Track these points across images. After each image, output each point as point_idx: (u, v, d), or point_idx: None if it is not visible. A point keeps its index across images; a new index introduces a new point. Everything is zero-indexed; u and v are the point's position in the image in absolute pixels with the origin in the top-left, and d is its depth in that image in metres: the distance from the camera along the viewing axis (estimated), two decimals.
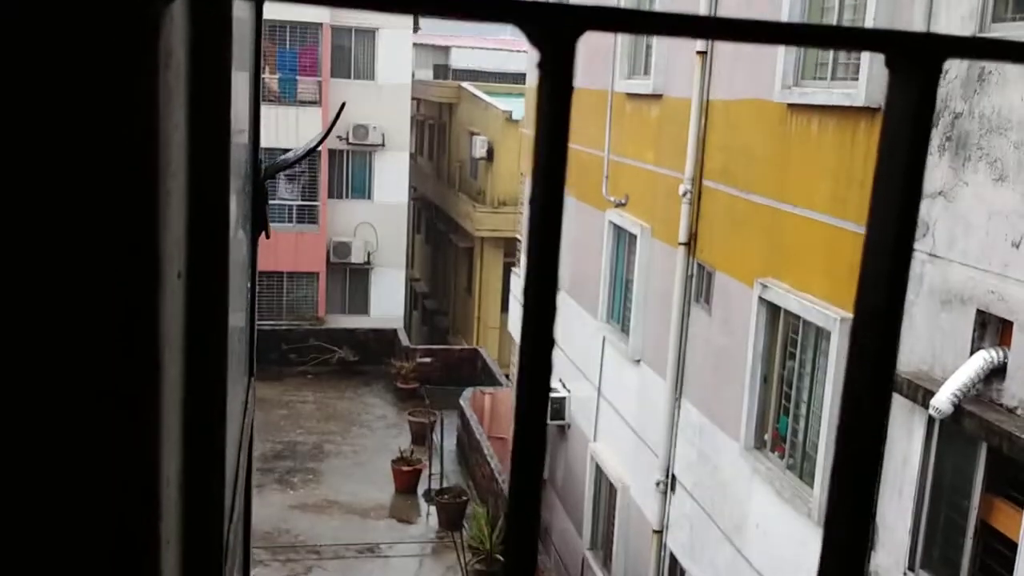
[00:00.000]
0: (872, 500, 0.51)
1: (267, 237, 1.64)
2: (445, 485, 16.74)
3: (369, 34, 25.14)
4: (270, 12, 23.20)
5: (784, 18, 8.21)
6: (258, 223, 1.51)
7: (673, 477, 10.48)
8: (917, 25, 6.49)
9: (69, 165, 0.43)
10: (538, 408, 0.50)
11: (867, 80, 7.06)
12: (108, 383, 0.47)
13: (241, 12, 1.28)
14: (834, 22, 7.79)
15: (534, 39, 0.48)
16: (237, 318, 1.32)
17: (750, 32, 0.49)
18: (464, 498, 16.09)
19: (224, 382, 0.77)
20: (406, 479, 17.03)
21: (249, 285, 1.53)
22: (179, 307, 0.60)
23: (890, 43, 0.50)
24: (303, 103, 24.29)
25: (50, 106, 0.42)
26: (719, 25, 0.48)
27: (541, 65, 0.48)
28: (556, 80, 0.47)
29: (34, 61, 0.41)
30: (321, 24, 24.19)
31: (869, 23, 7.02)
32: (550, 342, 0.48)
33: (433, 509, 16.25)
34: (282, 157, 2.81)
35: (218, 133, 0.67)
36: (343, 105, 4.74)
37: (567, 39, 0.46)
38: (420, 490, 17.05)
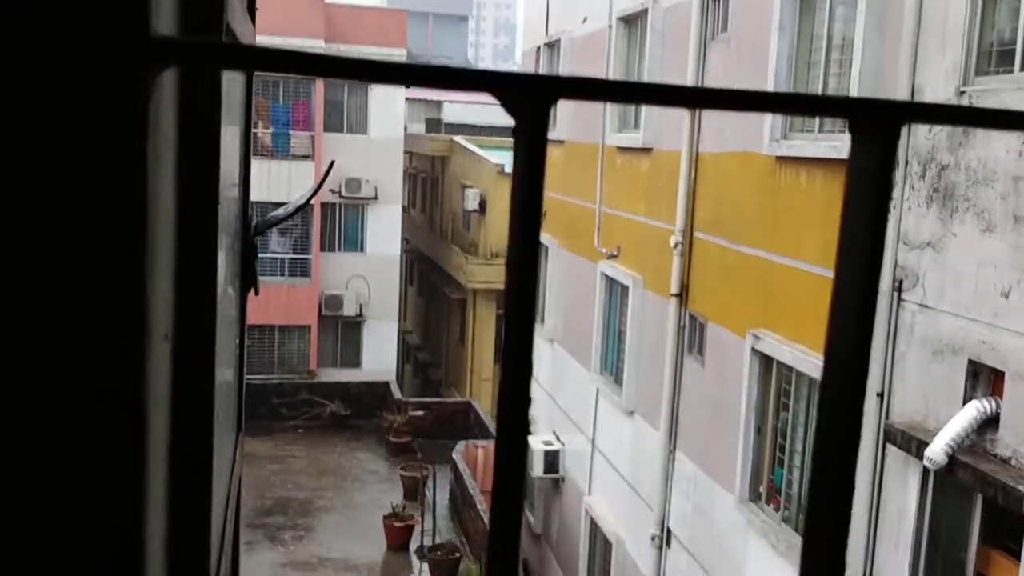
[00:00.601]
0: (845, 544, 0.52)
1: (256, 293, 1.65)
2: (438, 541, 16.51)
3: (362, 88, 25.44)
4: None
5: (771, 75, 8.35)
6: (247, 279, 1.52)
7: (668, 531, 10.37)
8: (902, 80, 6.61)
9: (53, 230, 0.44)
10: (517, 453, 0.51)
11: None
12: (92, 444, 0.47)
13: (232, 72, 1.31)
14: (820, 77, 7.93)
15: (510, 107, 0.49)
16: (225, 374, 1.33)
17: (719, 100, 0.51)
18: (457, 554, 15.86)
19: (210, 442, 0.78)
20: (398, 535, 16.80)
21: (238, 341, 1.54)
22: (165, 368, 0.61)
23: (852, 109, 0.52)
24: (296, 157, 24.48)
25: (36, 170, 0.44)
26: (688, 94, 0.50)
27: (516, 131, 0.50)
28: (530, 146, 0.48)
29: (22, 123, 0.43)
30: (314, 79, 24.48)
31: (855, 78, 7.15)
32: (526, 396, 0.49)
33: (426, 566, 16.00)
34: (272, 214, 2.83)
35: (206, 195, 0.69)
36: (332, 163, 4.80)
37: (541, 107, 0.48)
38: (412, 546, 16.81)
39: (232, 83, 1.37)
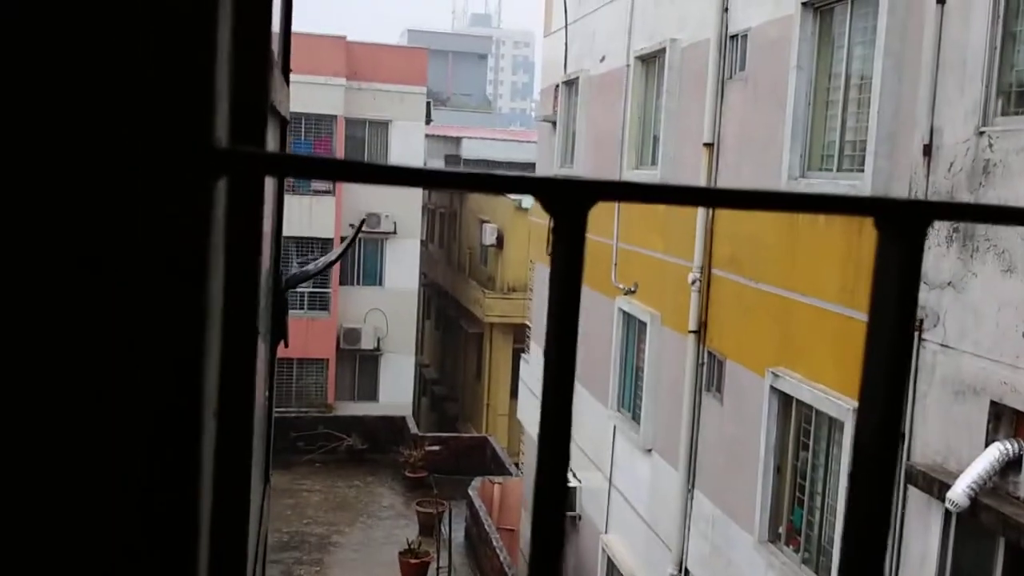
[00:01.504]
0: None
1: (286, 346, 1.68)
2: None
3: (383, 126, 25.72)
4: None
5: (788, 114, 8.38)
6: (278, 334, 1.56)
7: (686, 571, 10.25)
8: (921, 120, 6.61)
9: (125, 330, 0.47)
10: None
11: (873, 171, 7.18)
12: (151, 528, 0.50)
13: (271, 138, 1.35)
14: (838, 116, 7.96)
15: (549, 209, 0.52)
16: (258, 430, 1.35)
17: (748, 200, 0.53)
18: None
19: (247, 513, 0.80)
20: (413, 572, 16.68)
21: (267, 393, 1.56)
22: (211, 443, 0.63)
23: (878, 208, 0.54)
24: (317, 192, 24.70)
25: (117, 281, 0.47)
26: (717, 195, 0.52)
27: (555, 231, 0.53)
28: (569, 248, 0.51)
29: (102, 235, 0.46)
30: (336, 116, 24.78)
31: (873, 117, 7.17)
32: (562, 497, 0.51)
33: None
34: (303, 269, 2.88)
35: (249, 288, 0.72)
36: (364, 220, 4.88)
37: (579, 210, 0.50)
38: None
39: (271, 135, 1.41)
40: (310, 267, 2.68)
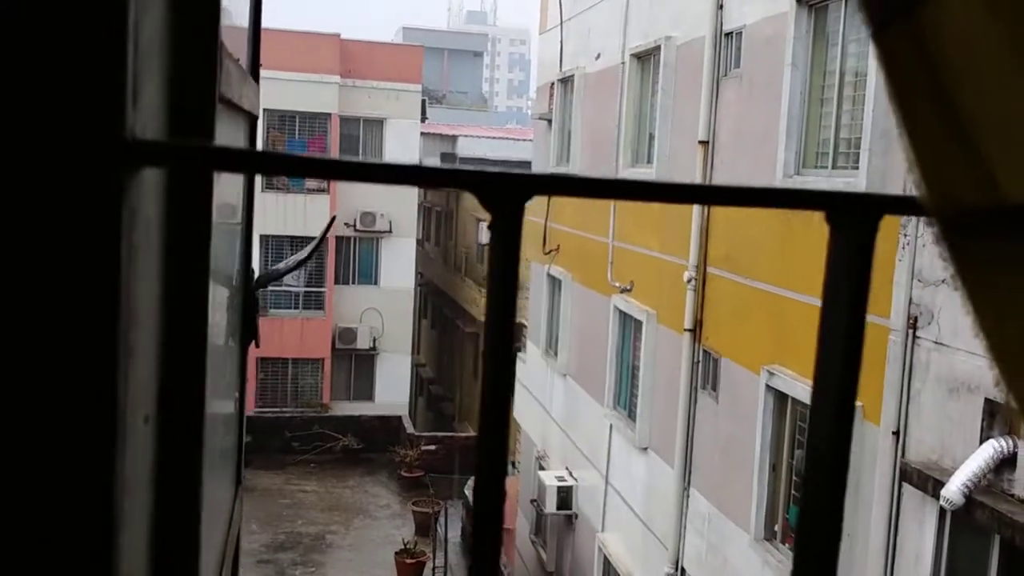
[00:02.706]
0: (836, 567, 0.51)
1: (257, 346, 1.65)
2: None
3: (377, 123, 25.68)
4: (280, 102, 23.77)
5: (783, 111, 8.37)
6: (248, 333, 1.53)
7: (683, 569, 10.24)
8: None
9: (23, 320, 0.45)
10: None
11: (867, 169, 7.16)
12: (60, 528, 0.47)
13: (234, 136, 1.33)
14: (833, 113, 7.95)
15: (486, 203, 0.50)
16: (223, 433, 1.33)
17: (698, 195, 0.51)
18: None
19: (197, 523, 0.78)
20: (409, 572, 16.67)
21: (237, 395, 1.54)
22: (147, 449, 0.61)
23: (828, 202, 0.52)
24: (311, 191, 24.66)
25: (12, 261, 0.44)
26: (664, 189, 0.50)
27: (491, 225, 0.51)
28: (505, 241, 0.49)
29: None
30: (330, 114, 24.74)
31: (868, 114, 7.14)
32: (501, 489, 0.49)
33: None
34: (274, 268, 2.85)
35: (195, 282, 0.70)
36: (333, 218, 4.89)
37: (515, 204, 0.49)
38: None
39: (234, 133, 1.39)
40: (280, 266, 2.66)
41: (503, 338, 0.51)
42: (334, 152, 24.93)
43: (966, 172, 0.49)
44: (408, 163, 0.49)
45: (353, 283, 25.79)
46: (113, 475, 0.49)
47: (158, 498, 0.65)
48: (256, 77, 1.56)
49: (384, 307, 25.62)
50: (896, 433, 6.61)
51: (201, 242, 0.73)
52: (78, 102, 0.44)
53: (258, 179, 24.80)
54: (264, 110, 23.51)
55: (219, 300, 1.16)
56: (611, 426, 12.43)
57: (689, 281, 10.05)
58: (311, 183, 24.86)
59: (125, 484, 0.53)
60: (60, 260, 0.46)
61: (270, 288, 24.44)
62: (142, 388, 0.58)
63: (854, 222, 0.51)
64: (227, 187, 1.18)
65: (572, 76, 14.45)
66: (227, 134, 1.13)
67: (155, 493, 0.65)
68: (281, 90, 23.47)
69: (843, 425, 0.55)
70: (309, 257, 3.30)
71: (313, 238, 24.36)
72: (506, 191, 0.49)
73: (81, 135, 0.43)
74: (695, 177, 10.03)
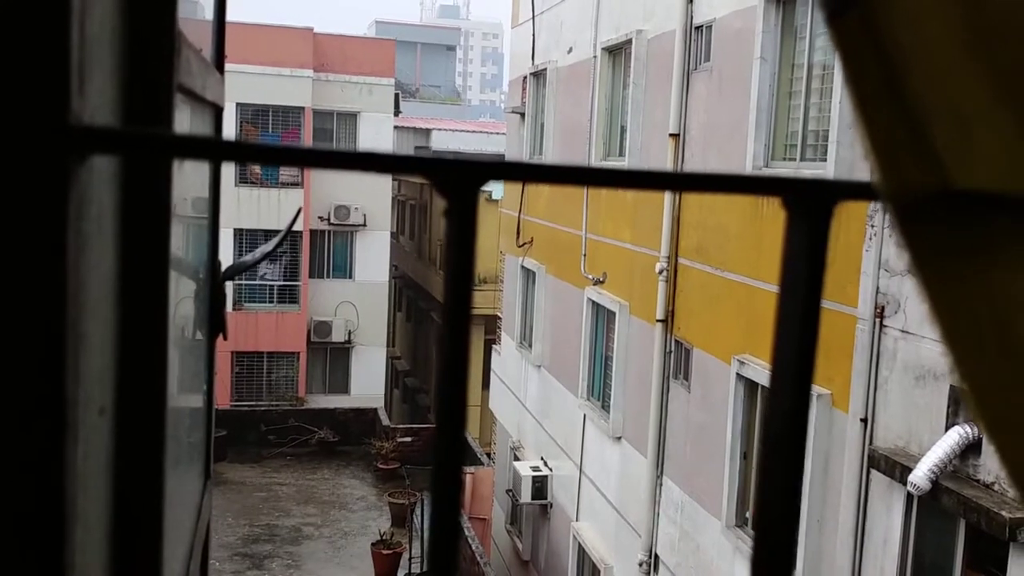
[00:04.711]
0: (794, 549, 0.52)
1: (224, 338, 1.65)
2: (426, 568, 16.38)
3: (351, 117, 25.54)
4: (253, 96, 23.58)
5: (753, 104, 8.42)
6: (215, 326, 1.52)
7: (656, 557, 10.32)
8: None
9: None
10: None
11: (835, 160, 7.23)
12: (10, 529, 0.47)
13: (200, 126, 1.31)
14: (801, 106, 8.01)
15: (440, 189, 0.50)
16: (192, 422, 1.32)
17: (649, 181, 0.51)
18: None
19: (159, 515, 0.77)
20: (386, 563, 16.66)
21: (206, 387, 1.53)
22: (103, 442, 0.60)
23: (785, 188, 0.52)
24: (285, 185, 24.50)
25: None
26: (616, 176, 0.50)
27: (446, 212, 0.51)
28: (461, 227, 0.49)
29: None
30: (303, 108, 24.57)
31: (836, 107, 7.21)
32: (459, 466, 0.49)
33: None
34: (240, 260, 2.83)
35: (154, 268, 0.69)
36: (299, 210, 4.87)
37: (470, 189, 0.49)
38: (400, 574, 16.67)
39: (200, 123, 1.37)
40: (247, 258, 2.64)
41: (460, 322, 0.51)
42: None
43: (916, 158, 0.50)
44: (363, 150, 0.49)
45: (328, 277, 25.68)
46: (63, 467, 0.49)
47: (118, 491, 0.64)
48: (221, 69, 1.55)
49: (359, 300, 25.54)
50: (864, 420, 6.69)
51: (160, 232, 0.72)
52: (19, 87, 0.43)
53: (231, 173, 24.57)
54: (237, 104, 23.41)
55: (184, 291, 1.15)
56: (585, 416, 12.48)
57: (661, 272, 10.11)
58: (285, 177, 24.71)
59: (78, 477, 0.52)
60: (6, 247, 0.45)
61: (245, 282, 24.27)
62: (96, 380, 0.58)
63: (810, 207, 0.52)
64: (192, 178, 1.17)
65: (545, 70, 14.45)
66: (189, 125, 1.12)
67: (114, 486, 0.64)
68: (254, 84, 23.26)
69: (799, 406, 0.56)
70: (276, 248, 3.28)
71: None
72: (460, 177, 0.49)
73: (22, 121, 0.43)
74: (666, 169, 10.07)
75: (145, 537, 0.71)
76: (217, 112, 1.49)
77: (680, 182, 0.51)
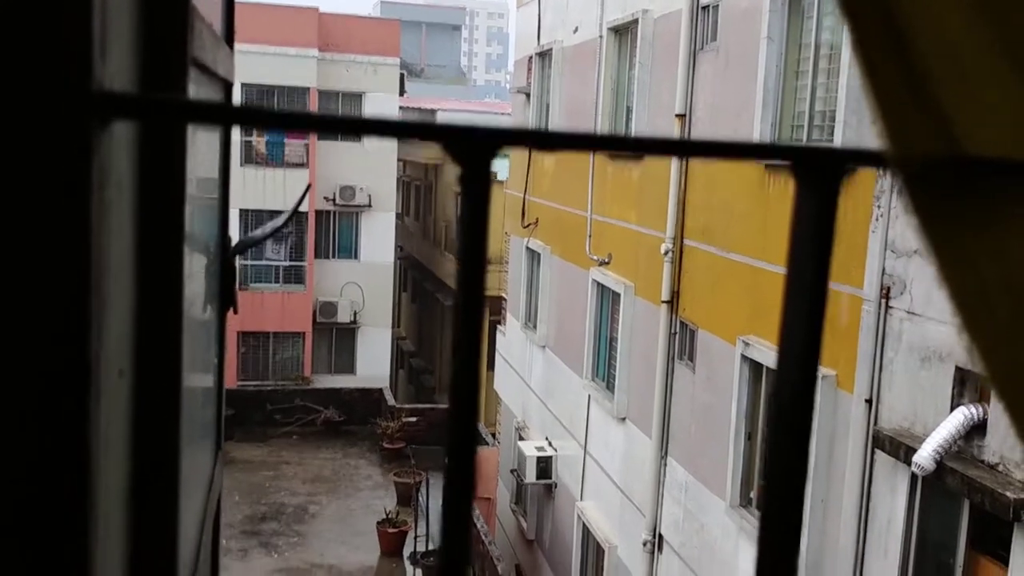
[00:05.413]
0: (800, 523, 0.53)
1: (235, 312, 1.66)
2: (431, 547, 16.50)
3: (356, 97, 25.46)
4: (259, 76, 23.50)
5: (759, 84, 8.38)
6: (226, 299, 1.53)
7: (660, 536, 10.38)
8: None
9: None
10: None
11: (842, 140, 7.20)
12: (36, 485, 0.48)
13: (211, 93, 1.32)
14: (808, 86, 7.97)
15: (454, 156, 0.51)
16: (203, 396, 1.33)
17: (660, 148, 0.52)
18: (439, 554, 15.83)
19: (176, 477, 0.78)
20: (392, 541, 16.78)
21: (217, 360, 1.54)
22: (121, 403, 0.61)
23: (794, 155, 0.53)
24: (291, 165, 24.47)
25: None
26: (629, 143, 0.51)
27: (461, 179, 0.52)
28: (475, 193, 0.50)
29: None
30: (309, 88, 24.49)
31: (843, 86, 7.17)
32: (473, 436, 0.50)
33: (419, 572, 15.98)
34: (250, 235, 2.85)
35: (169, 238, 0.70)
36: (308, 186, 4.87)
37: (485, 156, 0.49)
38: (406, 552, 16.79)
39: (209, 97, 1.38)
40: (257, 233, 2.65)
41: (474, 288, 0.52)
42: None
43: (925, 123, 0.50)
44: (377, 116, 0.50)
45: (333, 257, 25.69)
46: (88, 428, 0.50)
47: (135, 453, 0.66)
48: (231, 44, 1.55)
49: (364, 281, 25.56)
50: (869, 401, 6.70)
51: (175, 199, 0.73)
52: (43, 53, 0.44)
53: (236, 153, 24.52)
54: (243, 84, 23.34)
55: (196, 265, 1.16)
56: (589, 397, 12.51)
57: (666, 253, 10.10)
58: (290, 157, 24.68)
59: (100, 436, 0.53)
60: (32, 211, 0.46)
61: (251, 263, 24.30)
62: (116, 342, 0.59)
63: (819, 175, 0.52)
64: (202, 152, 1.18)
65: (550, 50, 14.37)
66: (202, 98, 1.12)
67: (132, 448, 0.65)
68: (259, 64, 23.20)
69: (808, 376, 0.56)
70: (285, 223, 3.29)
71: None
72: (475, 144, 0.50)
73: (48, 87, 0.44)
74: None
75: (162, 499, 0.72)
76: (227, 87, 1.50)
77: (690, 149, 0.51)
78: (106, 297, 0.53)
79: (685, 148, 0.52)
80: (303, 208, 24.10)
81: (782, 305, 0.55)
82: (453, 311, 0.54)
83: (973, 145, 0.49)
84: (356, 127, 0.50)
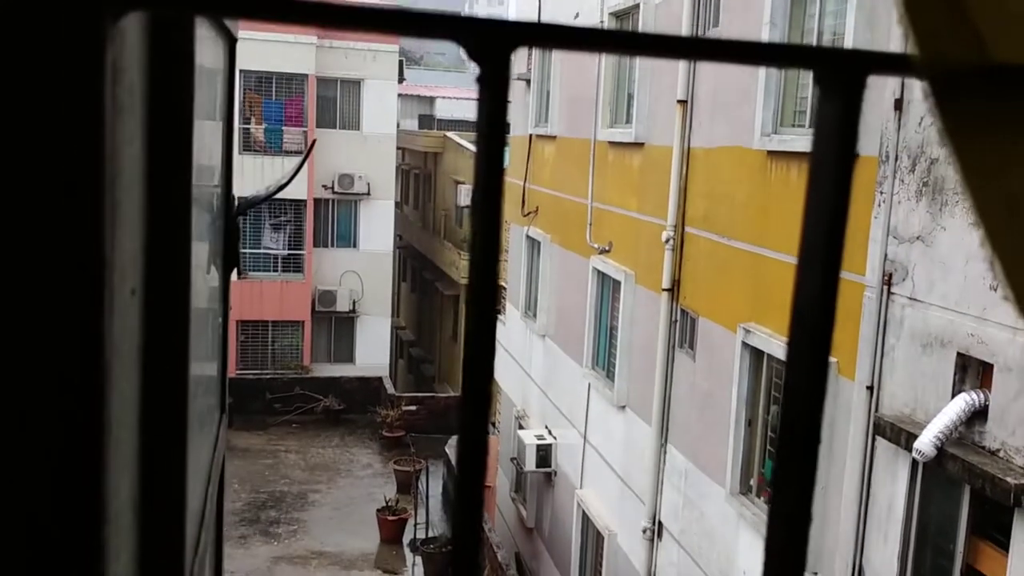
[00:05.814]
0: (811, 501, 0.52)
1: (239, 275, 1.65)
2: (431, 534, 16.53)
3: (355, 84, 25.40)
4: (257, 63, 23.44)
5: (762, 69, 8.35)
6: (230, 259, 1.52)
7: (660, 524, 10.39)
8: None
9: (6, 180, 0.44)
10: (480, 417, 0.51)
11: None
12: (46, 400, 0.47)
13: (214, 55, 1.31)
14: (810, 74, 7.93)
15: (472, 53, 0.50)
16: (207, 349, 1.32)
17: (680, 48, 0.50)
18: (450, 547, 15.88)
19: (184, 398, 0.78)
20: (391, 528, 16.82)
21: (221, 320, 1.53)
22: (134, 323, 0.60)
23: (817, 59, 0.52)
24: (289, 153, 24.43)
25: None
26: (650, 41, 0.50)
27: (479, 78, 0.50)
28: (493, 92, 0.49)
29: None
30: (307, 75, 24.43)
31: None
32: (490, 367, 0.49)
33: (419, 559, 16.02)
34: (253, 194, 2.84)
35: (179, 155, 0.69)
36: (314, 142, 4.84)
37: (503, 53, 0.48)
38: (406, 540, 16.83)
39: (214, 53, 1.37)
40: (261, 191, 2.64)
41: (491, 199, 0.50)
42: (311, 115, 24.67)
43: (954, 30, 0.49)
44: (392, 7, 0.49)
45: (332, 246, 25.68)
46: (101, 337, 0.49)
47: (146, 371, 0.65)
48: None
49: (363, 270, 25.55)
50: (870, 388, 6.70)
51: (184, 102, 0.72)
52: None
53: (235, 141, 24.47)
54: (241, 71, 23.25)
55: (201, 224, 1.15)
56: (589, 385, 12.52)
57: (667, 241, 10.08)
58: (289, 145, 24.63)
59: (112, 350, 0.53)
60: (45, 109, 0.45)
61: (249, 251, 24.27)
62: (129, 260, 0.58)
63: (842, 80, 0.51)
64: (206, 126, 1.17)
65: None
66: (209, 52, 1.11)
67: (143, 366, 0.65)
68: (257, 51, 23.12)
69: (827, 294, 0.55)
70: (289, 181, 3.28)
71: (291, 200, 24.17)
72: (494, 39, 0.48)
73: None
74: (674, 138, 10.02)
75: (171, 418, 0.72)
76: (231, 43, 1.48)
77: (708, 49, 0.50)
78: (119, 203, 0.52)
79: (705, 49, 0.51)
80: (302, 196, 24.07)
81: (803, 216, 0.55)
82: (471, 212, 0.52)
83: (1003, 53, 0.48)
84: (365, 22, 0.48)
